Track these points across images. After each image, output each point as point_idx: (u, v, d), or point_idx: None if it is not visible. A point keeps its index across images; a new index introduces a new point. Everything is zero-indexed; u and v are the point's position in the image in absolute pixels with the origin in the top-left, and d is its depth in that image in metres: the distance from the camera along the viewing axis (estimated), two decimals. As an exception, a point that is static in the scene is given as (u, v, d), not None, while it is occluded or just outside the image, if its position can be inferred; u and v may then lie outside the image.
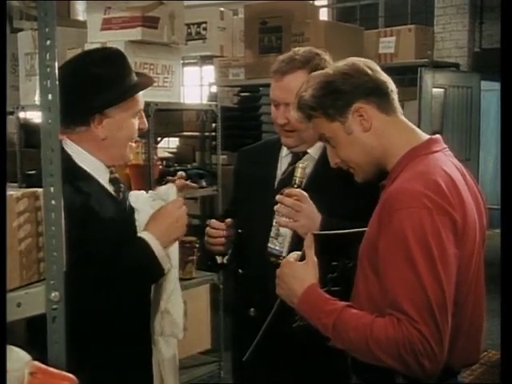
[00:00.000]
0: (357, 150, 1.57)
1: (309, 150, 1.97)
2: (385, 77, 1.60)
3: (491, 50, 8.09)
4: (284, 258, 1.76)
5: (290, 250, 1.77)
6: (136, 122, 1.80)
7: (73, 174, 1.71)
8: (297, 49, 1.97)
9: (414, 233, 1.35)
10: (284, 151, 2.03)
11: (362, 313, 1.42)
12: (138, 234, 1.72)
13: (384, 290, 1.40)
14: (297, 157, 1.96)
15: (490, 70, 7.53)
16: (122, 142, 1.78)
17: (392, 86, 1.59)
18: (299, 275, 1.52)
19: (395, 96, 1.59)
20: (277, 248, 1.80)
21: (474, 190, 1.55)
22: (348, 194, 1.80)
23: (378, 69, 1.61)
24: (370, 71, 1.57)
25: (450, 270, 1.36)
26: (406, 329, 1.31)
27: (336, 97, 1.55)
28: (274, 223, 1.81)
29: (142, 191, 1.90)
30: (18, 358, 1.08)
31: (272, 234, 1.81)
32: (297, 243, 1.78)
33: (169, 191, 1.81)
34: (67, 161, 1.72)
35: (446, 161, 1.51)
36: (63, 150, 1.71)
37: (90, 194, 1.72)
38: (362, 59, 1.62)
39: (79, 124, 1.73)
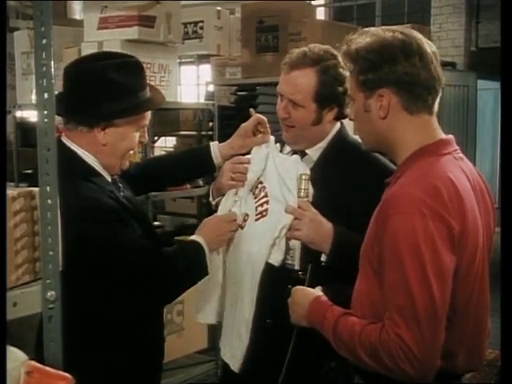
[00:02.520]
0: (367, 127, 1.55)
1: (308, 151, 1.94)
2: (435, 74, 1.47)
3: (487, 49, 8.10)
4: (298, 272, 1.76)
5: (303, 263, 1.74)
6: (138, 135, 1.78)
7: (87, 171, 1.73)
8: (313, 45, 1.92)
9: (405, 238, 1.34)
10: (286, 149, 2.00)
11: (357, 320, 1.44)
12: (194, 238, 1.82)
13: (383, 292, 1.41)
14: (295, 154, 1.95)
15: (487, 69, 7.55)
16: (121, 152, 1.77)
17: (436, 86, 1.48)
18: (305, 295, 1.59)
19: (434, 96, 1.49)
20: (289, 262, 1.79)
21: (482, 192, 1.53)
22: (349, 196, 1.78)
23: (433, 62, 1.48)
24: (419, 63, 1.45)
25: (443, 277, 1.35)
26: (387, 334, 1.33)
27: (371, 68, 1.47)
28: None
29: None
30: (15, 357, 1.08)
31: (285, 248, 1.79)
32: (309, 255, 1.75)
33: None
34: (76, 158, 1.73)
35: (453, 165, 1.47)
36: (66, 147, 1.72)
37: (112, 191, 1.76)
38: (429, 43, 1.51)
39: (83, 125, 1.72)
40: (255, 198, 1.90)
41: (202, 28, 5.75)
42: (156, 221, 5.35)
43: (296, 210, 1.76)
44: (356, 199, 1.75)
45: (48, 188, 1.17)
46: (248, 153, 1.97)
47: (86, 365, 1.63)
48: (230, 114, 4.94)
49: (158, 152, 5.28)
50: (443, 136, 1.53)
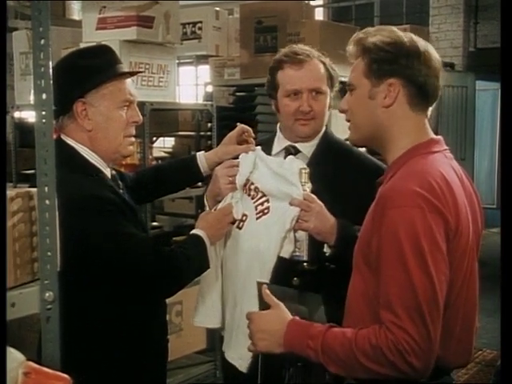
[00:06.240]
0: (366, 115, 1.56)
1: (301, 149, 1.97)
2: (440, 80, 1.55)
3: (486, 49, 8.11)
4: (306, 263, 1.78)
5: (311, 255, 1.76)
6: (124, 113, 1.77)
7: (87, 166, 1.74)
8: (298, 45, 2.00)
9: (405, 231, 1.36)
10: (274, 150, 2.03)
11: (346, 329, 1.43)
12: (194, 232, 1.86)
13: (379, 287, 1.41)
14: (289, 153, 1.97)
15: (485, 69, 7.56)
16: (113, 134, 1.76)
17: (438, 92, 1.55)
18: (275, 319, 1.51)
19: (433, 101, 1.56)
20: (297, 254, 1.80)
21: (470, 192, 1.55)
22: (344, 189, 1.81)
23: (439, 70, 1.55)
24: (431, 66, 1.52)
25: (441, 267, 1.37)
26: (389, 331, 1.33)
27: (387, 59, 1.51)
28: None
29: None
30: (13, 358, 1.08)
31: (292, 240, 1.81)
32: (315, 246, 1.78)
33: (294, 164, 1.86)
34: (75, 154, 1.74)
35: (444, 162, 1.51)
36: (66, 144, 1.73)
37: (112, 187, 1.77)
38: (436, 55, 1.57)
39: (63, 113, 1.72)
40: (252, 198, 1.91)
41: (200, 28, 5.75)
42: (155, 221, 5.35)
43: (302, 202, 1.78)
44: (350, 193, 1.79)
45: (46, 188, 1.17)
46: (235, 159, 1.99)
47: (89, 365, 1.64)
48: (229, 115, 4.94)
49: (156, 153, 5.28)
50: (434, 136, 1.57)
